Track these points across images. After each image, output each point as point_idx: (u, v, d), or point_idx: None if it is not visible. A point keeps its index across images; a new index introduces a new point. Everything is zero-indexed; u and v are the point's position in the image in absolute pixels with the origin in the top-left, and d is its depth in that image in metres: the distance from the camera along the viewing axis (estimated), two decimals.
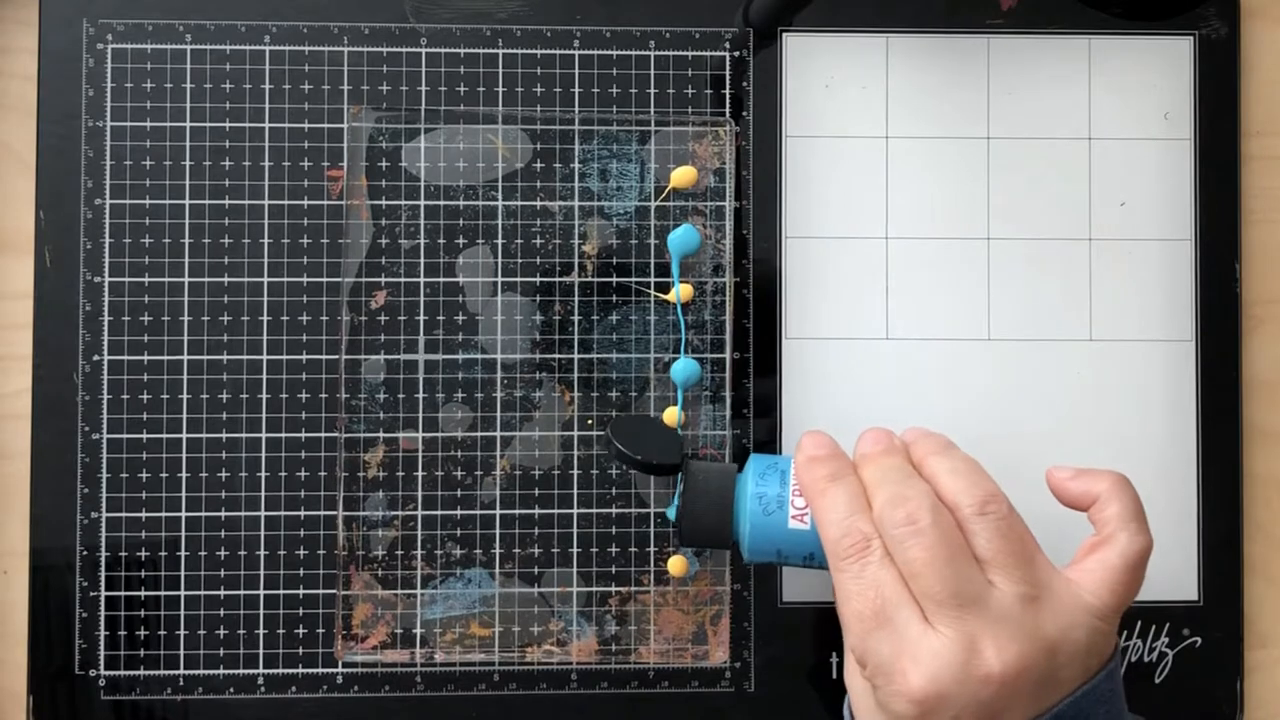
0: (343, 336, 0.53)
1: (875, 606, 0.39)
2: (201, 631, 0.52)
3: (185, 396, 0.53)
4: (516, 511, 0.53)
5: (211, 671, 0.52)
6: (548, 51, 0.54)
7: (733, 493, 0.47)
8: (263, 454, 0.53)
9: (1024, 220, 0.55)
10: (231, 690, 0.52)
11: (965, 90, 0.55)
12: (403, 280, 0.53)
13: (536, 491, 0.53)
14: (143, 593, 0.52)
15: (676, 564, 0.53)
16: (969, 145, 0.55)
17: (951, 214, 0.55)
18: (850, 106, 0.55)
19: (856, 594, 0.40)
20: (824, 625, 0.53)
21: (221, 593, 0.52)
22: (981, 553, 0.40)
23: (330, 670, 0.53)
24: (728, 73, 0.54)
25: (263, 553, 0.53)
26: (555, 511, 0.53)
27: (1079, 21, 0.55)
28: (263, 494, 0.53)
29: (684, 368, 0.53)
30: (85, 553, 0.52)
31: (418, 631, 0.53)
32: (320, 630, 0.53)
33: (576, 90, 0.54)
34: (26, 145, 0.53)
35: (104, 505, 0.52)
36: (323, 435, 0.53)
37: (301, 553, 0.53)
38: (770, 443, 0.54)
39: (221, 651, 0.52)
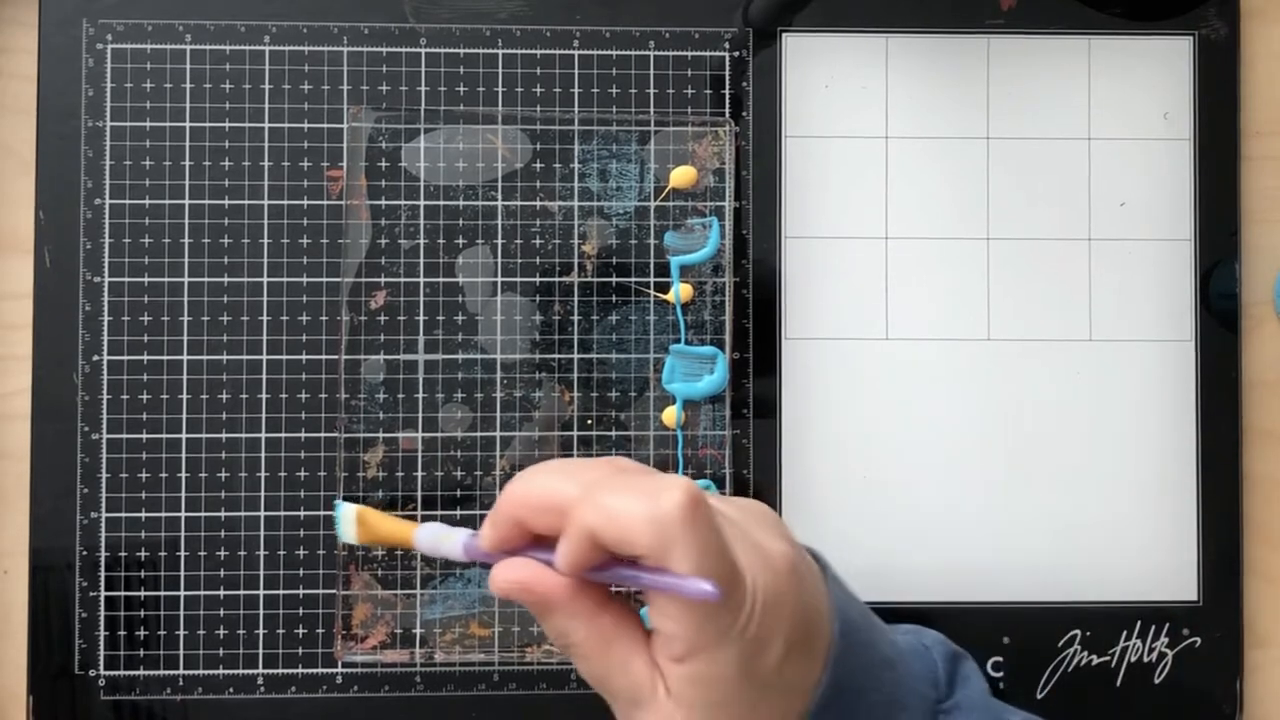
0: (343, 336, 0.53)
1: None
2: (201, 631, 0.52)
3: (185, 396, 0.53)
4: None
5: (211, 671, 0.52)
6: (547, 51, 0.54)
7: None
8: (263, 454, 0.53)
9: (1024, 220, 0.55)
10: (231, 690, 0.52)
11: (965, 90, 0.55)
12: (403, 280, 0.53)
13: None
14: (142, 593, 0.52)
15: None
16: (969, 145, 0.55)
17: (951, 214, 0.55)
18: (850, 106, 0.55)
19: None
20: None
21: (221, 593, 0.52)
22: None
23: (330, 670, 0.53)
24: (728, 73, 0.54)
25: (263, 553, 0.53)
26: None
27: (1079, 21, 0.55)
28: (263, 494, 0.53)
29: None
30: (85, 553, 0.52)
31: (417, 631, 0.53)
32: (320, 630, 0.53)
33: (576, 90, 0.54)
34: (26, 145, 0.53)
35: (104, 505, 0.52)
36: (323, 435, 0.53)
37: (301, 553, 0.53)
38: (770, 443, 0.54)
39: (221, 651, 0.52)
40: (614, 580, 0.34)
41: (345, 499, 0.52)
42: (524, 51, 0.54)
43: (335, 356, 0.53)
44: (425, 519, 0.52)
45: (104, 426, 0.52)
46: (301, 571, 0.53)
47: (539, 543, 0.35)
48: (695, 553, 0.31)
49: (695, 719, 0.33)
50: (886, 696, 0.35)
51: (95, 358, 0.53)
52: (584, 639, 0.34)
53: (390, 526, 0.41)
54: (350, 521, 0.42)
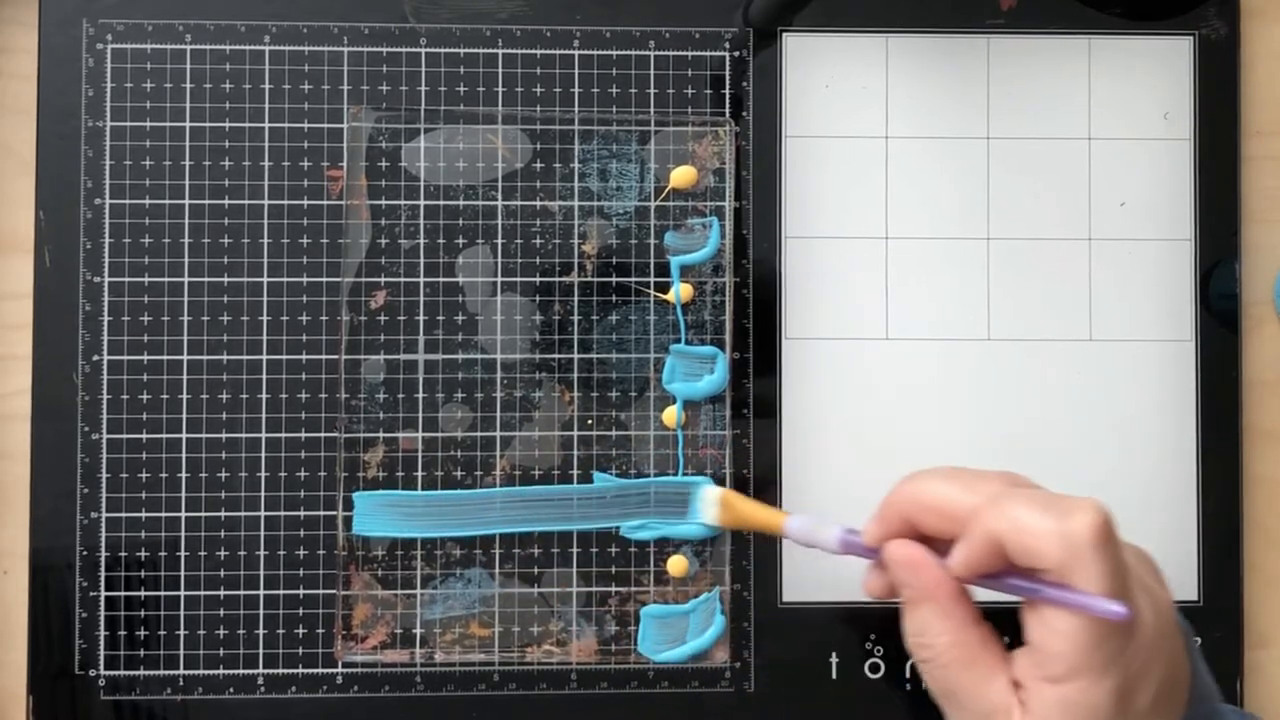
0: (343, 336, 0.53)
1: None
2: (201, 631, 0.52)
3: (185, 396, 0.53)
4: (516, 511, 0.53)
5: (211, 671, 0.52)
6: (548, 51, 0.54)
7: None
8: (263, 454, 0.53)
9: (1024, 220, 0.55)
10: (231, 690, 0.52)
11: (965, 90, 0.55)
12: (403, 280, 0.53)
13: None
14: (143, 593, 0.52)
15: (676, 564, 0.53)
16: (969, 145, 0.55)
17: (951, 214, 0.55)
18: (850, 106, 0.55)
19: None
20: (824, 625, 0.53)
21: (221, 593, 0.52)
22: None
23: (330, 670, 0.53)
24: (728, 73, 0.54)
25: (263, 553, 0.53)
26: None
27: (1079, 21, 0.55)
28: (263, 494, 0.53)
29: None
30: (85, 553, 0.52)
31: (418, 631, 0.53)
32: (320, 630, 0.53)
33: (576, 90, 0.54)
34: (26, 145, 0.53)
35: (104, 505, 0.52)
36: (323, 435, 0.53)
37: (301, 553, 0.53)
38: (770, 443, 0.54)
39: (221, 651, 0.52)
40: (1006, 590, 0.34)
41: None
42: (524, 51, 0.54)
43: (335, 356, 0.53)
44: None
45: (104, 426, 0.52)
46: (301, 571, 0.53)
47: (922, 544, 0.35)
48: (1104, 574, 0.32)
49: None
50: None
51: (95, 358, 0.53)
52: (949, 645, 0.35)
53: (757, 513, 0.42)
54: (714, 504, 0.42)
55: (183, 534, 0.52)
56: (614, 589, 0.53)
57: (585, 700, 0.53)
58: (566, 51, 0.54)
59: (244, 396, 0.53)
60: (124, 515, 0.52)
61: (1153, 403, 0.54)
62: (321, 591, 0.53)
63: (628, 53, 0.54)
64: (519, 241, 0.53)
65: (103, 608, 0.52)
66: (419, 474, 0.53)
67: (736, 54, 0.54)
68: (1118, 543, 0.33)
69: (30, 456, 0.52)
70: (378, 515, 0.52)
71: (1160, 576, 0.36)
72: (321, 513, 0.53)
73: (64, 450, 0.52)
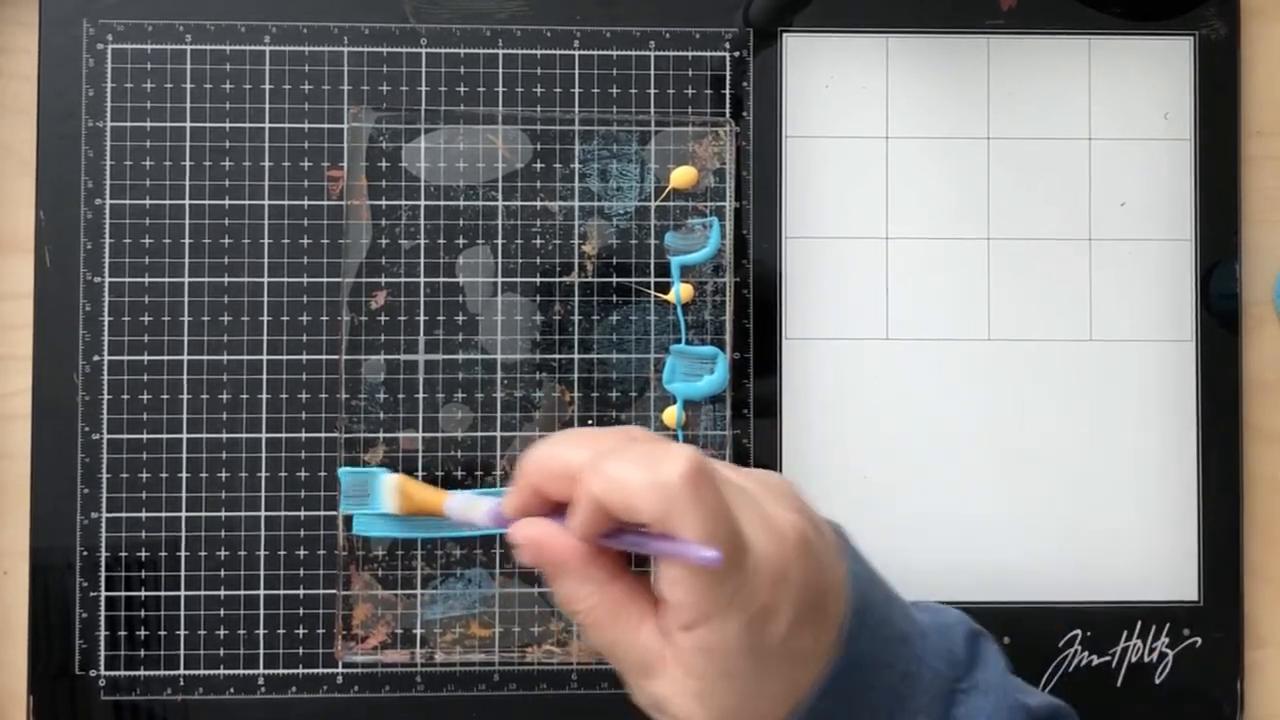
0: (343, 336, 0.53)
1: None
2: (201, 631, 0.52)
3: (185, 396, 0.53)
4: None
5: (211, 672, 0.52)
6: (548, 51, 0.54)
7: None
8: (263, 454, 0.53)
9: (1024, 220, 0.55)
10: (231, 690, 0.52)
11: (965, 90, 0.55)
12: (403, 280, 0.53)
13: None
14: (143, 593, 0.52)
15: None
16: (969, 145, 0.55)
17: (951, 214, 0.55)
18: (850, 106, 0.55)
19: None
20: None
21: (221, 593, 0.52)
22: None
23: (330, 670, 0.53)
24: (728, 73, 0.54)
25: (263, 553, 0.53)
26: None
27: (1079, 21, 0.55)
28: (263, 494, 0.53)
29: None
30: (85, 553, 0.52)
31: (418, 631, 0.53)
32: (320, 630, 0.53)
33: (576, 90, 0.54)
34: (26, 145, 0.53)
35: (104, 505, 0.52)
36: (323, 435, 0.53)
37: (301, 553, 0.53)
38: (770, 443, 0.54)
39: (221, 651, 0.52)
40: (622, 546, 0.34)
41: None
42: (524, 51, 0.54)
43: (335, 356, 0.53)
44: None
45: (104, 426, 0.52)
46: (301, 571, 0.53)
47: (560, 510, 0.35)
48: (699, 519, 0.31)
49: (702, 689, 0.33)
50: (900, 672, 0.35)
51: (95, 358, 0.53)
52: (594, 605, 0.35)
53: (425, 495, 0.42)
54: (391, 491, 0.42)
55: (183, 534, 0.52)
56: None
57: (586, 700, 0.53)
58: (566, 51, 0.54)
59: (244, 396, 0.53)
60: (124, 515, 0.52)
61: (1153, 403, 0.54)
62: (321, 591, 0.53)
63: (628, 53, 0.54)
64: (519, 242, 0.53)
65: (103, 608, 0.52)
66: (419, 474, 0.53)
67: (736, 54, 0.54)
68: (713, 485, 0.32)
69: (30, 456, 0.52)
70: (378, 515, 0.52)
71: (791, 500, 0.35)
72: (322, 513, 0.53)
73: (64, 450, 0.52)
